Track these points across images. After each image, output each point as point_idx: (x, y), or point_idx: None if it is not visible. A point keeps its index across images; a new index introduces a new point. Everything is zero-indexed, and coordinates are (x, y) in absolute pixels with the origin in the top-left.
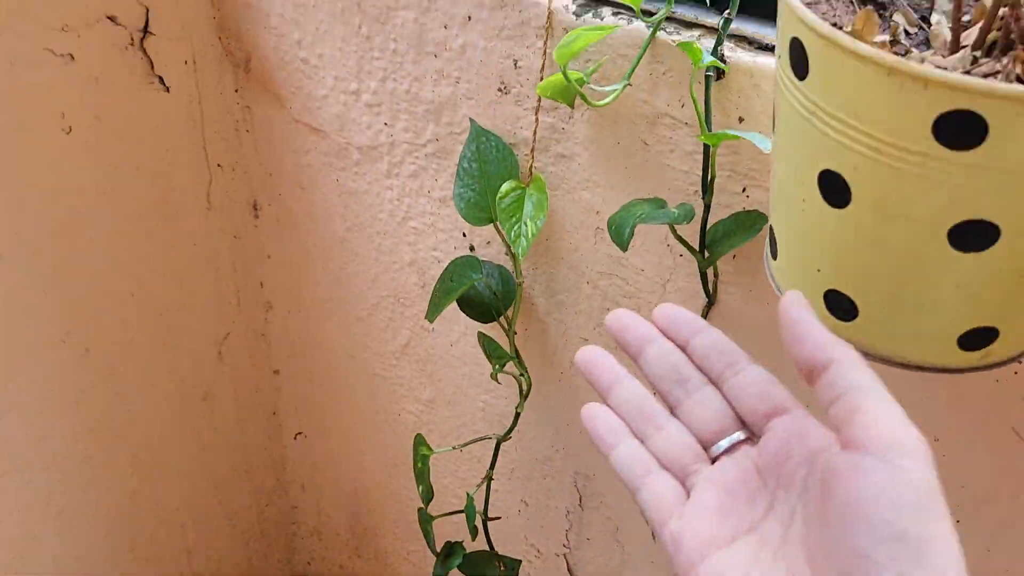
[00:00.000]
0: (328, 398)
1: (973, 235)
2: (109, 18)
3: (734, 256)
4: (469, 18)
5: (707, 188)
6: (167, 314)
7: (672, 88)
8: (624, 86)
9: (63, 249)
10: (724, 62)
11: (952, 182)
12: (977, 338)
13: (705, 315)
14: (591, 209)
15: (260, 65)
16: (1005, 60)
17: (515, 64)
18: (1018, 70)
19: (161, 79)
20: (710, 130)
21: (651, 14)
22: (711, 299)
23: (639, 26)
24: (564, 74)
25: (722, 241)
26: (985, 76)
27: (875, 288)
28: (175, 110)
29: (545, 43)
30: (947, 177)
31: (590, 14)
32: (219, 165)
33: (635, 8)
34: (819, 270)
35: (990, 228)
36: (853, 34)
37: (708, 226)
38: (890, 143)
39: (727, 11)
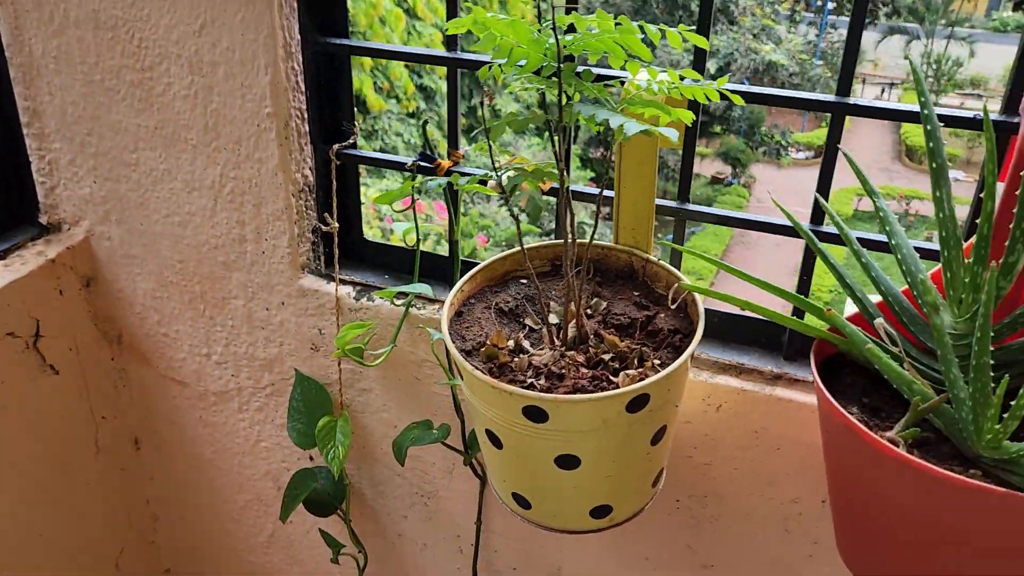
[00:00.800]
0: None
1: (567, 462)
2: (8, 334)
3: None
4: (283, 303)
5: (458, 411)
6: (69, 544)
7: (427, 343)
8: (391, 349)
9: None
10: None
11: (543, 437)
12: (601, 511)
13: (482, 493)
14: (390, 424)
15: (130, 339)
16: (572, 353)
17: (320, 331)
18: (580, 359)
19: (52, 366)
20: (452, 376)
21: (405, 295)
22: (483, 480)
23: (396, 307)
24: (345, 352)
25: (476, 443)
26: (562, 368)
27: (533, 492)
28: (64, 386)
29: (337, 318)
30: (540, 435)
31: (365, 298)
32: (103, 417)
33: (389, 299)
34: (504, 480)
35: (575, 458)
36: (489, 345)
37: (466, 434)
38: (507, 420)
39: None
